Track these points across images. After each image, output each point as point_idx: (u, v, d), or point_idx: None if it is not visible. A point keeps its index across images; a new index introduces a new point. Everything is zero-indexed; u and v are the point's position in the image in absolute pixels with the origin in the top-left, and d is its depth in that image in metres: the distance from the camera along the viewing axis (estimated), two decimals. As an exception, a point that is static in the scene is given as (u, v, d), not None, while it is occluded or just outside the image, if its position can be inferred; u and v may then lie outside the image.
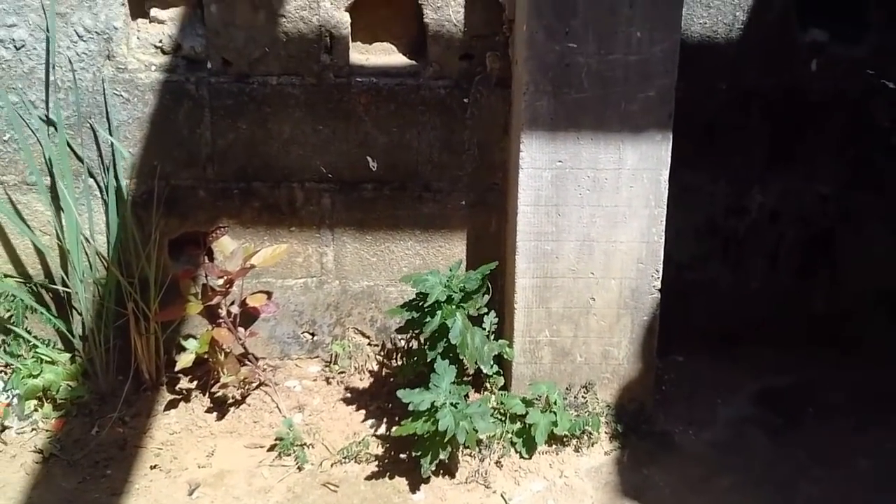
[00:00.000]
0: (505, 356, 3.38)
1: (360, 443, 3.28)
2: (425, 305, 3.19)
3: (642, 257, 3.30)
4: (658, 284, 3.34)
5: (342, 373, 3.66)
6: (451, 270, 3.32)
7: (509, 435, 3.29)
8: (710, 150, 3.69)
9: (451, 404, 3.03)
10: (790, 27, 3.56)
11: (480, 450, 3.22)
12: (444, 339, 3.19)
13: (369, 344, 3.73)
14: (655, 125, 3.17)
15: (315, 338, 3.73)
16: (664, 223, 3.27)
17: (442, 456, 3.07)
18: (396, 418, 3.29)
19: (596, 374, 3.43)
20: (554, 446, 3.31)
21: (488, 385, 3.45)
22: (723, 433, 3.45)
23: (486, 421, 3.08)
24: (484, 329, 3.35)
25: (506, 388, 3.46)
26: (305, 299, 3.67)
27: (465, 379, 3.34)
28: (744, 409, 3.58)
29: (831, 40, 3.59)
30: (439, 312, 3.19)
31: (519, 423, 3.31)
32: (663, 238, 3.29)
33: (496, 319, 3.43)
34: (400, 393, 3.06)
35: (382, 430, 3.38)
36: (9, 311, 3.51)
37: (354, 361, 3.68)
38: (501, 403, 3.35)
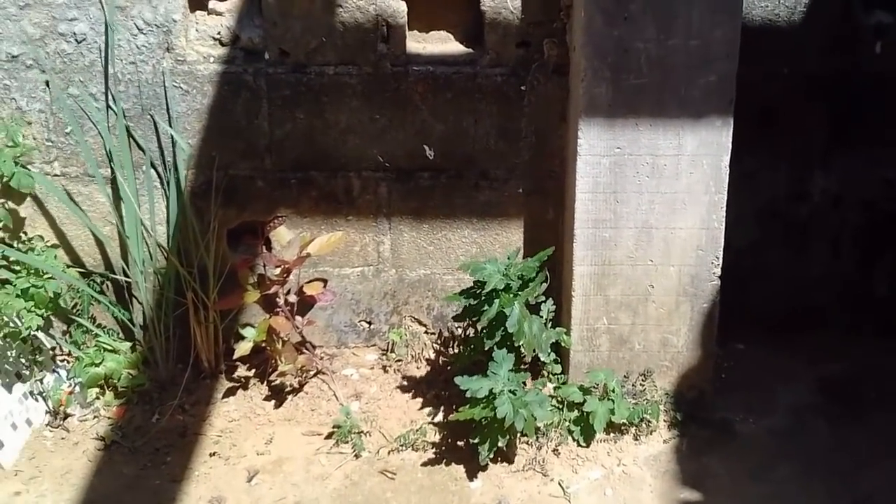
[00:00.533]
0: (562, 344, 3.37)
1: (416, 430, 3.29)
2: (483, 293, 3.18)
3: (702, 244, 3.27)
4: (718, 271, 3.30)
5: (399, 361, 3.67)
6: (508, 258, 3.31)
7: (567, 423, 3.28)
8: (771, 135, 3.63)
9: (510, 391, 3.03)
10: (854, 8, 3.50)
11: (538, 437, 3.22)
12: (502, 328, 3.19)
13: (426, 332, 3.73)
14: (716, 111, 3.13)
15: (372, 326, 3.73)
16: (724, 209, 3.23)
17: (500, 443, 3.07)
18: (453, 406, 3.28)
19: (654, 361, 3.41)
20: (612, 434, 3.30)
21: (546, 373, 3.44)
22: (783, 421, 3.42)
23: (544, 408, 3.08)
24: (541, 317, 3.35)
25: (563, 375, 3.45)
26: (362, 288, 3.68)
27: (523, 367, 3.33)
28: (804, 397, 3.54)
29: (896, 21, 3.53)
30: (497, 300, 3.18)
31: (577, 410, 3.30)
32: (723, 224, 3.25)
33: (553, 307, 3.41)
34: (458, 380, 3.07)
35: (439, 417, 3.38)
36: (73, 300, 3.56)
37: (411, 349, 3.69)
38: (559, 391, 3.34)
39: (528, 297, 3.28)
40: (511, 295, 3.21)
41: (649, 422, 3.31)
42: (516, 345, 3.22)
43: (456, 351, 3.66)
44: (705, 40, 3.06)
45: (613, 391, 3.29)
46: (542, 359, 3.38)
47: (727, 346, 3.71)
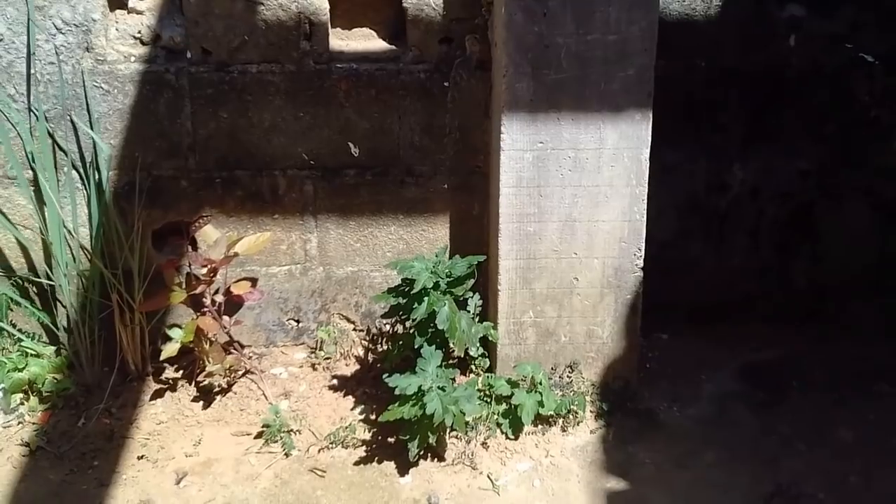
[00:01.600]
0: (490, 338, 3.37)
1: (346, 428, 3.27)
2: (412, 292, 3.18)
3: (625, 236, 3.29)
4: (641, 263, 3.33)
5: (328, 359, 3.64)
6: (436, 256, 3.31)
7: (495, 416, 3.28)
8: (690, 128, 3.67)
9: (439, 388, 3.02)
10: (767, 3, 3.55)
11: (467, 432, 3.21)
12: (432, 325, 3.18)
13: (354, 329, 3.72)
14: (635, 104, 3.15)
15: (300, 324, 3.71)
16: (646, 202, 3.26)
17: (430, 439, 3.06)
18: (383, 403, 3.26)
19: (580, 353, 3.43)
20: (540, 426, 3.30)
21: (474, 367, 3.44)
22: (707, 409, 3.45)
23: (473, 403, 3.05)
24: (469, 311, 3.36)
25: (491, 369, 3.46)
26: (290, 286, 3.66)
27: (451, 362, 3.33)
28: (728, 385, 3.58)
29: (809, 15, 3.58)
30: (426, 299, 3.18)
31: (505, 404, 3.30)
32: (645, 216, 3.28)
33: (480, 301, 3.42)
34: (387, 378, 3.06)
35: (369, 415, 3.36)
36: (-7, 304, 3.50)
37: (340, 347, 3.67)
38: (487, 385, 3.34)
39: (457, 294, 3.28)
40: (440, 293, 3.21)
41: (576, 413, 3.32)
42: (446, 341, 3.22)
43: (385, 348, 3.65)
44: (623, 35, 3.08)
45: (541, 384, 3.29)
46: (471, 353, 3.39)
47: (651, 337, 3.74)
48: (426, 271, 3.21)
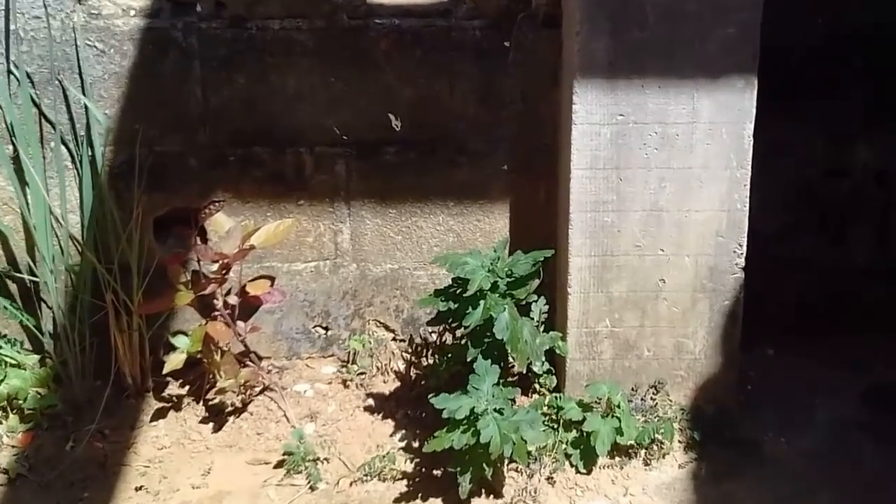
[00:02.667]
0: (557, 351, 3.36)
1: (384, 457, 3.26)
2: (465, 294, 3.16)
3: (722, 229, 3.27)
4: (741, 262, 3.31)
5: (362, 374, 3.66)
6: (494, 251, 3.30)
7: (564, 446, 3.27)
8: (804, 99, 3.64)
9: (495, 411, 3.01)
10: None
11: (529, 464, 3.20)
12: (488, 334, 3.18)
13: (394, 339, 3.73)
14: (736, 69, 3.12)
15: (329, 332, 3.73)
16: (748, 188, 3.23)
17: (484, 472, 3.04)
18: (428, 428, 3.26)
19: (667, 370, 3.41)
20: (617, 458, 3.29)
21: (538, 386, 3.44)
22: (821, 441, 3.41)
23: (537, 430, 3.05)
24: (532, 319, 3.35)
25: (558, 389, 3.45)
26: (317, 286, 3.67)
27: (510, 380, 3.32)
28: (847, 410, 3.54)
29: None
30: (482, 303, 3.17)
31: (575, 431, 3.29)
32: (747, 206, 3.25)
33: (546, 307, 3.42)
34: (433, 398, 3.05)
35: (411, 442, 3.36)
36: (-34, 305, 3.53)
37: (376, 360, 3.68)
38: (554, 408, 3.34)
39: (519, 297, 3.28)
40: (499, 295, 3.20)
41: (661, 443, 3.30)
42: (504, 354, 3.22)
43: (430, 362, 3.66)
44: (724, -15, 3.08)
45: (619, 407, 3.27)
46: (536, 370, 3.38)
47: (754, 352, 3.71)
48: (482, 269, 3.19)
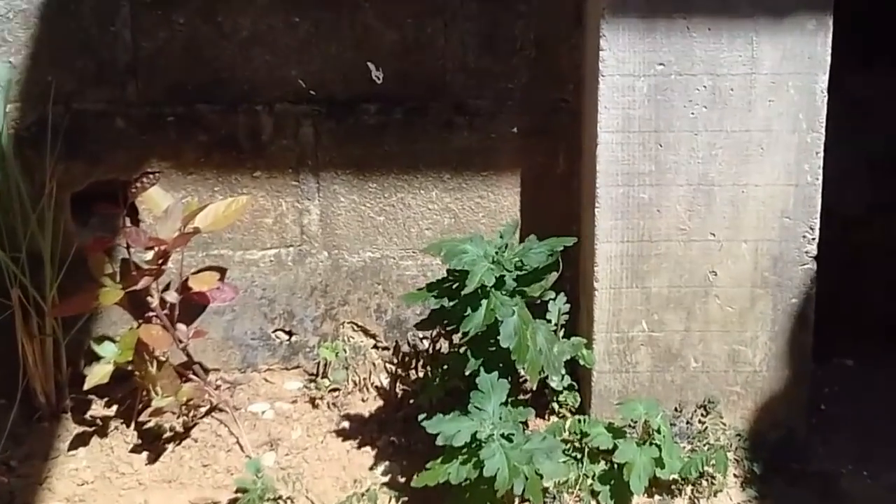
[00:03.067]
0: (581, 362, 3.36)
1: (363, 496, 3.27)
2: (464, 291, 3.14)
3: (788, 209, 3.27)
4: (813, 249, 3.30)
5: (335, 390, 3.67)
6: (500, 236, 3.28)
7: (590, 481, 3.27)
8: (891, 45, 3.63)
9: (503, 437, 2.99)
10: None
11: (546, 502, 3.20)
12: (492, 341, 3.15)
13: (375, 346, 3.74)
14: (807, 6, 3.12)
15: (293, 338, 3.74)
16: (821, 156, 3.23)
17: (490, 517, 3.06)
18: (419, 459, 3.26)
19: (719, 386, 3.42)
20: (657, 497, 3.29)
21: (557, 406, 3.46)
22: (914, 474, 3.42)
23: (556, 461, 3.05)
24: (549, 321, 3.34)
25: (583, 410, 3.46)
26: (278, 280, 3.68)
27: (522, 398, 3.33)
28: (946, 437, 3.55)
29: None
30: (485, 302, 3.15)
31: (604, 462, 3.29)
32: (821, 179, 3.25)
33: (567, 307, 3.41)
34: (424, 421, 3.04)
35: (397, 476, 3.36)
36: None
37: (353, 373, 3.69)
38: (578, 433, 3.33)
39: (531, 295, 3.27)
40: (506, 293, 3.18)
41: (713, 477, 3.30)
42: (514, 366, 3.19)
43: (421, 375, 3.66)
44: None
45: (659, 432, 3.25)
46: (553, 385, 3.39)
47: (829, 364, 3.73)
48: (485, 260, 3.17)
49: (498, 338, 3.11)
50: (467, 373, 3.17)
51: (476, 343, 3.19)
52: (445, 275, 3.29)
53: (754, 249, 3.31)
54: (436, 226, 3.63)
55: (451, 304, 3.21)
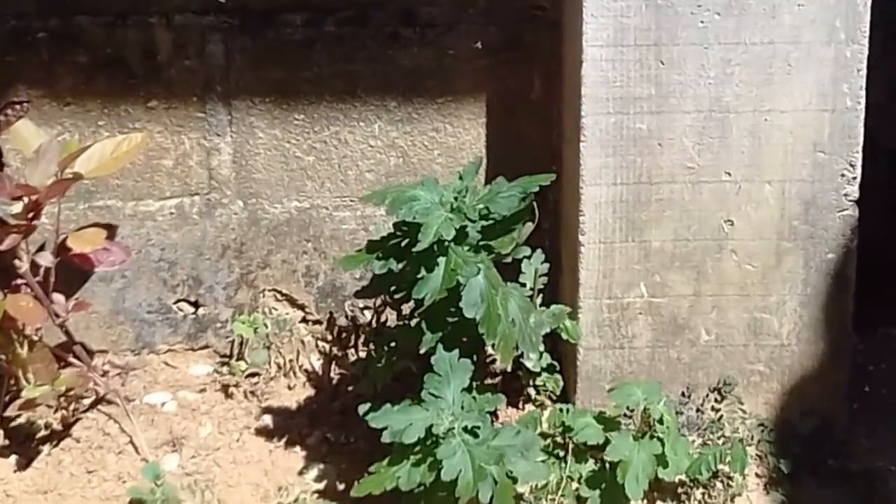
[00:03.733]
0: (564, 336, 3.35)
1: (291, 505, 3.26)
2: (415, 248, 3.11)
3: (823, 141, 3.27)
4: (854, 192, 3.30)
5: (254, 376, 3.67)
6: (460, 178, 3.25)
7: (575, 484, 3.26)
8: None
9: (466, 431, 2.97)
10: None
11: (522, 512, 3.19)
12: (452, 311, 3.14)
13: (305, 320, 3.76)
14: None
15: (201, 311, 3.74)
16: (865, 74, 3.22)
17: (449, 530, 3.04)
18: (361, 460, 3.26)
19: (737, 364, 3.43)
20: (660, 503, 3.29)
21: (534, 391, 3.46)
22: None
23: (532, 460, 3.03)
24: (523, 286, 3.32)
25: (566, 396, 3.47)
26: (181, 238, 3.67)
27: (490, 382, 3.33)
28: None
29: None
30: (443, 261, 3.12)
31: (593, 461, 3.28)
32: (863, 103, 3.24)
33: (546, 267, 3.41)
34: (366, 412, 3.02)
35: (333, 482, 3.36)
36: None
37: (277, 354, 3.69)
38: (559, 425, 3.32)
39: (501, 250, 3.24)
40: (469, 249, 3.16)
41: (729, 478, 3.29)
42: (481, 342, 3.16)
43: (363, 356, 3.64)
44: None
45: (661, 422, 3.23)
46: (529, 365, 3.39)
47: (874, 334, 3.74)
48: (441, 208, 3.14)
49: (460, 306, 3.08)
50: (421, 351, 3.13)
51: (432, 314, 3.16)
52: (392, 229, 3.26)
53: (780, 192, 3.32)
54: (379, 167, 3.64)
55: (400, 265, 3.18)
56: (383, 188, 3.27)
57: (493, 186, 3.26)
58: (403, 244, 3.19)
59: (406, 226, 3.18)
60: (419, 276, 3.12)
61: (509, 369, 3.37)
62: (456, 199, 3.16)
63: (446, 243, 3.11)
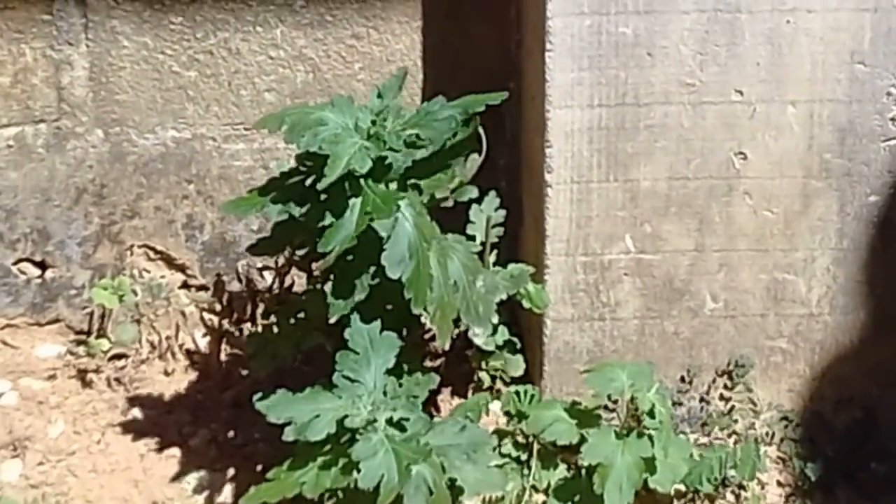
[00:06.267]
0: (525, 304, 3.36)
1: (169, 525, 3.26)
2: (321, 184, 3.12)
3: (863, 48, 3.28)
4: (903, 113, 3.31)
5: (119, 357, 3.67)
6: (380, 96, 3.24)
7: (541, 497, 3.28)
8: None
9: (391, 423, 2.97)
10: None
11: (470, 534, 3.20)
12: (371, 269, 3.14)
13: (187, 286, 3.76)
14: None
15: (49, 274, 3.74)
16: (917, -44, 3.22)
17: (369, 552, 3.04)
18: (256, 464, 3.28)
19: (753, 340, 3.44)
20: (651, 520, 3.30)
21: (486, 376, 3.46)
22: None
23: (483, 464, 3.03)
24: (472, 239, 3.34)
25: (528, 378, 3.48)
26: (22, 179, 3.67)
27: (427, 360, 3.36)
28: None
29: None
30: (356, 202, 3.13)
31: (564, 465, 3.31)
32: (915, -2, 3.24)
33: (502, 214, 3.42)
34: (261, 401, 3.00)
35: (221, 492, 3.37)
36: None
37: (150, 330, 3.70)
38: (516, 417, 3.34)
39: (436, 192, 3.24)
40: (392, 185, 3.16)
41: (741, 487, 3.31)
42: (409, 309, 3.16)
43: (260, 330, 3.65)
44: None
45: (653, 415, 3.24)
46: (478, 342, 3.38)
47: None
48: (355, 135, 3.16)
49: (382, 262, 3.06)
50: (331, 320, 3.12)
51: (344, 273, 3.15)
52: (294, 163, 3.25)
53: (807, 116, 3.33)
54: (282, 85, 3.65)
55: (304, 210, 3.17)
56: (281, 111, 3.20)
57: (424, 106, 3.25)
58: (308, 183, 3.16)
59: (311, 158, 3.17)
60: (325, 222, 3.10)
61: (447, 347, 3.33)
62: (374, 122, 3.16)
63: (360, 178, 3.10)
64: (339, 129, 3.13)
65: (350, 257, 3.13)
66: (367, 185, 3.12)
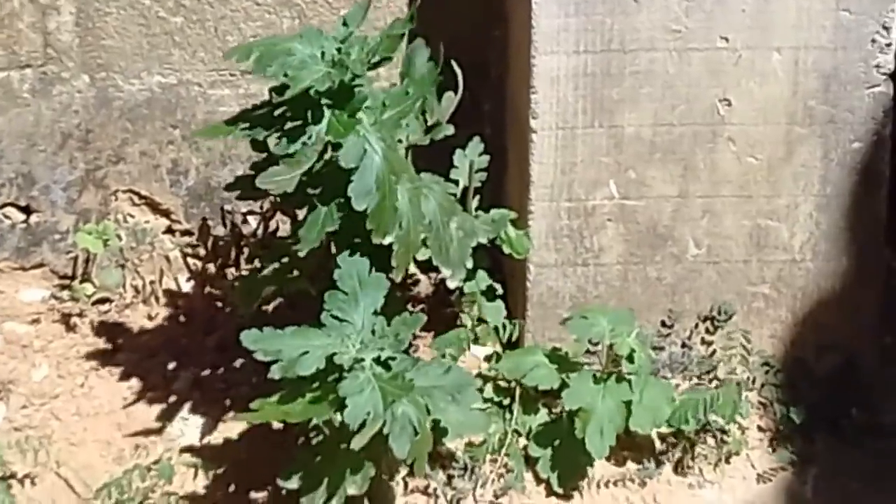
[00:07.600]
0: (506, 249, 3.41)
1: (150, 470, 3.27)
2: (288, 111, 3.13)
3: None
4: (888, 62, 3.36)
5: (103, 302, 3.71)
6: (345, 24, 3.23)
7: (521, 440, 3.32)
8: None
9: (377, 362, 3.00)
10: None
11: (451, 477, 3.25)
12: (340, 198, 3.09)
13: (171, 230, 3.80)
14: None
15: (34, 219, 3.78)
16: None
17: (351, 489, 3.06)
18: (241, 408, 3.23)
19: (736, 286, 3.49)
20: (633, 464, 3.35)
21: (466, 318, 3.50)
22: None
23: (466, 406, 3.04)
24: (454, 181, 3.39)
25: (511, 325, 3.50)
26: (6, 124, 3.70)
27: (412, 302, 3.38)
28: None
29: None
30: (319, 129, 3.11)
31: (545, 410, 3.35)
32: (901, -61, 3.30)
33: (485, 159, 3.45)
34: (248, 338, 2.99)
35: (206, 435, 3.40)
36: None
37: (134, 275, 3.74)
38: (500, 363, 3.38)
39: (404, 121, 3.25)
40: (352, 110, 3.15)
41: (723, 433, 3.34)
42: (390, 247, 3.17)
43: (246, 274, 3.70)
44: None
45: (631, 360, 3.29)
46: (452, 284, 3.38)
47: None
48: (321, 62, 3.16)
49: (350, 192, 3.06)
50: (301, 253, 3.12)
51: (315, 207, 3.16)
52: (266, 99, 3.26)
53: (792, 62, 3.37)
54: (269, 31, 3.67)
55: (279, 138, 3.15)
56: (250, 43, 3.25)
57: (383, 31, 3.26)
58: (280, 114, 3.18)
59: (283, 91, 3.13)
60: (290, 150, 3.11)
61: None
62: (339, 50, 3.18)
63: (322, 94, 3.11)
64: (303, 56, 3.13)
65: (319, 190, 3.14)
66: (331, 112, 3.12)
